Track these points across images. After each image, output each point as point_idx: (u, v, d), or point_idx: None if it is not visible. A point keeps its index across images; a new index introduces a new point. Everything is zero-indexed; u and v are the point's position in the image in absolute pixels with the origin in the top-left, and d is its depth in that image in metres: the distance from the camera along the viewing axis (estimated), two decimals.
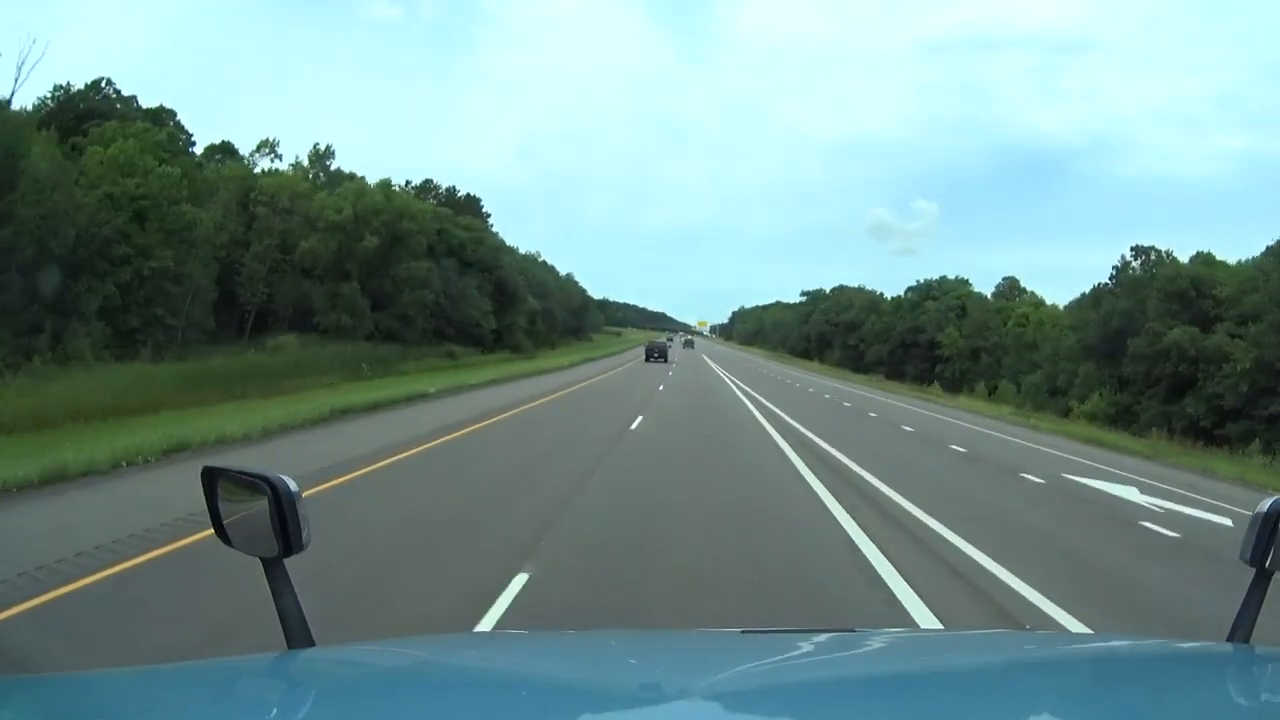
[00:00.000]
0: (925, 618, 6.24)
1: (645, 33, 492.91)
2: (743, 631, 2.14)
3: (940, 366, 76.45)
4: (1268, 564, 1.62)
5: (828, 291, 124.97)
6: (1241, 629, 1.65)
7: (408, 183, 78.57)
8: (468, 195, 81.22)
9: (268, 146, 50.87)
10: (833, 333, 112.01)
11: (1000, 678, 1.57)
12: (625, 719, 1.34)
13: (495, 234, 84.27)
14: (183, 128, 57.03)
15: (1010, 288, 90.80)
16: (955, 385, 75.19)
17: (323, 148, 48.36)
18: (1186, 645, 1.99)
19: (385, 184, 45.12)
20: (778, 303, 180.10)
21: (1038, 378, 52.32)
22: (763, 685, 1.48)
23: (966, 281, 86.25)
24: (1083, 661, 1.75)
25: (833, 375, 72.62)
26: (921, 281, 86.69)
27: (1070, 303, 79.58)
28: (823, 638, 1.92)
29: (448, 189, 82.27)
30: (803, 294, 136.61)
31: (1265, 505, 1.64)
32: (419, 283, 44.39)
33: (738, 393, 31.51)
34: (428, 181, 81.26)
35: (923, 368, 78.90)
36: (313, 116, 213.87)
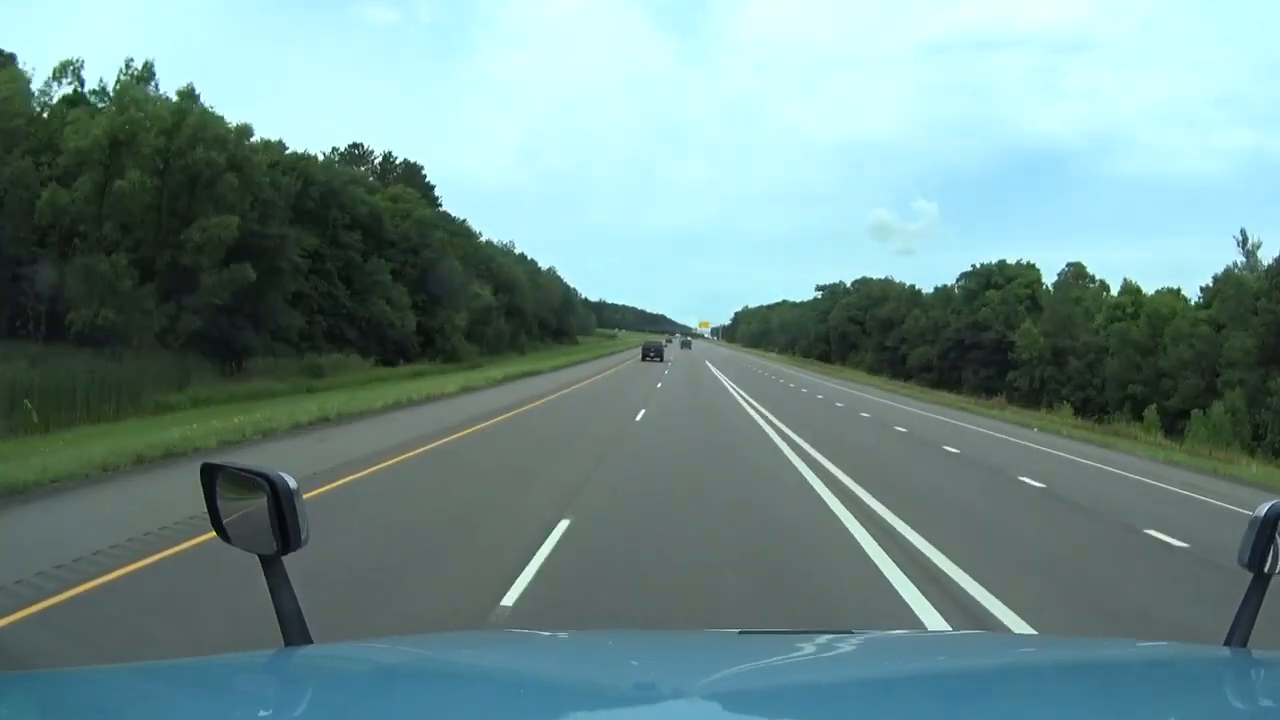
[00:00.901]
0: None
1: (645, 34, 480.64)
2: (740, 632, 2.09)
3: (1013, 374, 59.27)
4: (1266, 568, 1.62)
5: (849, 285, 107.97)
6: (1238, 633, 1.64)
7: (334, 150, 62.30)
8: (406, 162, 64.52)
9: (68, 70, 33.71)
10: (857, 332, 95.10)
11: (997, 680, 1.55)
12: (623, 718, 1.31)
13: (448, 213, 67.78)
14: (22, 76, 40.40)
15: (1075, 275, 74.00)
16: (1033, 398, 58.14)
17: (139, 66, 30.99)
18: (1184, 649, 2.00)
19: (186, 93, 27.84)
20: (784, 302, 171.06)
21: (1238, 400, 34.79)
22: (759, 686, 1.46)
23: (1034, 266, 69.11)
24: (1080, 665, 1.71)
25: (885, 389, 54.95)
26: (978, 266, 69.31)
27: (1158, 288, 63.74)
28: (820, 639, 1.87)
29: (384, 154, 65.66)
30: (818, 288, 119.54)
31: (1263, 509, 1.62)
32: (224, 248, 27.06)
33: (797, 462, 14.73)
34: (356, 146, 64.66)
35: (986, 374, 61.68)
36: (309, 119, 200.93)
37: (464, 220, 76.60)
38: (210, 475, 1.64)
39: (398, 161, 64.26)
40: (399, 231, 48.34)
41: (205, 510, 1.64)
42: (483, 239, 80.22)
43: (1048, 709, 1.36)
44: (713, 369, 59.86)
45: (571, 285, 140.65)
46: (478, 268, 69.11)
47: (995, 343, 61.01)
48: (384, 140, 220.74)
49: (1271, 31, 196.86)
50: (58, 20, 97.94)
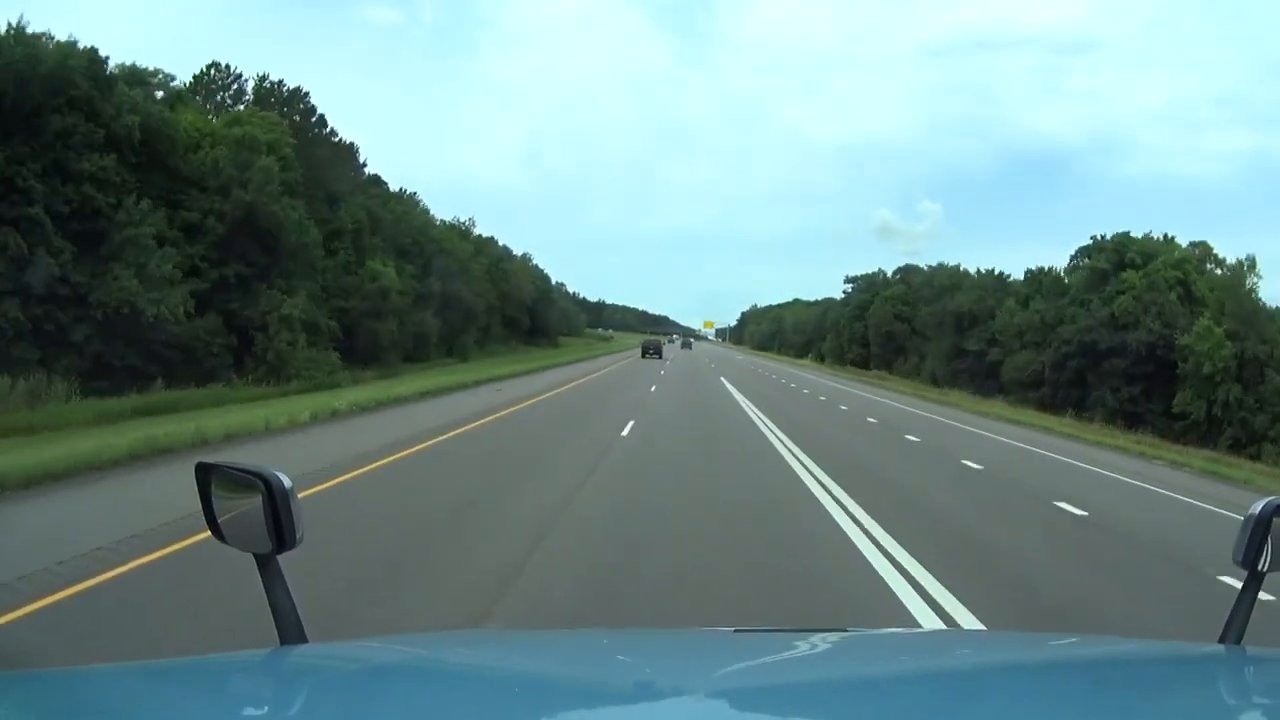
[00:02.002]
0: None
1: (645, 34, 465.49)
2: (736, 630, 2.09)
3: (1182, 394, 39.60)
4: (1260, 566, 1.61)
5: (889, 275, 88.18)
6: (1233, 630, 1.63)
7: (195, 78, 43.12)
8: (283, 83, 44.98)
9: None
10: (906, 332, 75.64)
11: (992, 678, 1.54)
12: (619, 717, 1.30)
13: (378, 176, 48.72)
14: None
15: (1202, 255, 54.50)
16: (1208, 430, 38.63)
17: None
18: (1179, 646, 1.98)
19: None
20: (796, 300, 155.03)
21: None
22: (756, 684, 1.45)
23: (1174, 241, 49.38)
24: (1076, 662, 1.71)
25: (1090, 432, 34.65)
26: (1097, 239, 49.42)
27: None
28: (816, 637, 1.86)
29: (259, 76, 46.21)
30: (847, 280, 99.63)
31: (1257, 508, 1.62)
32: None
33: None
34: (215, 65, 45.23)
35: (1129, 395, 42.14)
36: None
37: (417, 193, 57.98)
38: (205, 474, 1.62)
39: (275, 84, 44.83)
40: (207, 162, 28.95)
41: None
42: (426, 211, 61.11)
43: (1045, 706, 1.33)
44: (729, 388, 39.71)
45: (558, 279, 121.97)
46: (400, 241, 50.02)
47: (1146, 348, 41.28)
48: (384, 141, 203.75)
49: (1271, 31, 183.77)
50: None
